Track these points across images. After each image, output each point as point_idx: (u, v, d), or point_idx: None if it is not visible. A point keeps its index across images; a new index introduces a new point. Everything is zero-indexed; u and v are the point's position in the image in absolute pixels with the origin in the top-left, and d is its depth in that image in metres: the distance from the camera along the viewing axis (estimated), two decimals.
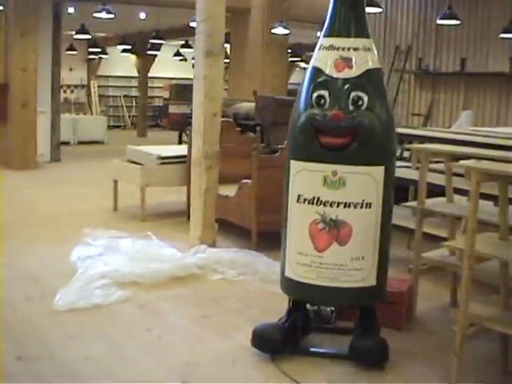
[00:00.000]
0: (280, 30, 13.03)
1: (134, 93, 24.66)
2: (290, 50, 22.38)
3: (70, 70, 24.02)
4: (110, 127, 22.76)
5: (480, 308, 3.42)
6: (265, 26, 13.87)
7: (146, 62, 21.29)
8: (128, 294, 4.67)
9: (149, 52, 20.26)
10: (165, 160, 7.62)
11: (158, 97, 25.94)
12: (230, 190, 6.64)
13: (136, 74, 22.41)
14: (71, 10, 14.90)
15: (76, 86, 24.97)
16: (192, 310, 4.50)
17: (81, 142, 17.49)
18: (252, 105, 9.90)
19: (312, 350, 3.78)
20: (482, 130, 7.54)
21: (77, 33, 15.45)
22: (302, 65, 24.89)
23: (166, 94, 25.42)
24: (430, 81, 14.18)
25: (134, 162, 7.89)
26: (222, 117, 11.23)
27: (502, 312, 3.42)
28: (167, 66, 24.25)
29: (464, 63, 13.29)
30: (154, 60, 21.09)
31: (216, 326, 4.19)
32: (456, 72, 13.46)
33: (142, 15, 16.17)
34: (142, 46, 20.52)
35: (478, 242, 3.36)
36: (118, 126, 25.30)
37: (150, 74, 21.87)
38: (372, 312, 3.80)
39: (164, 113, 25.08)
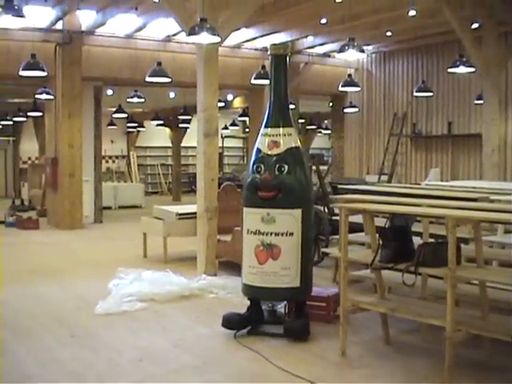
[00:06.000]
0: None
1: (170, 161, 27.03)
2: (310, 119, 24.76)
3: (112, 142, 26.65)
4: (148, 193, 25.07)
5: (361, 297, 5.42)
6: None
7: (178, 134, 23.76)
8: (147, 305, 6.79)
9: (180, 125, 22.78)
10: (182, 216, 9.73)
11: (192, 164, 28.19)
12: (229, 237, 8.69)
13: (171, 145, 24.85)
14: (110, 92, 17.38)
15: (117, 157, 27.58)
16: (190, 314, 6.54)
17: (121, 207, 19.78)
18: None
19: (260, 330, 5.78)
20: (431, 183, 9.49)
21: (115, 112, 17.93)
22: (323, 132, 27.19)
23: None
24: (423, 143, 16.22)
25: (159, 219, 10.03)
26: (237, 180, 13.41)
27: (377, 299, 5.38)
28: None
29: (450, 126, 15.34)
30: (185, 132, 23.55)
31: (204, 322, 6.23)
32: (444, 135, 15.49)
33: (172, 94, 18.65)
34: (174, 120, 23.02)
35: (356, 253, 5.37)
36: (156, 192, 27.72)
37: (183, 144, 24.29)
38: (301, 305, 5.81)
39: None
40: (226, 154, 29.15)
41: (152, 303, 6.89)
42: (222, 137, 26.18)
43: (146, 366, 4.96)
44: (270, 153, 5.66)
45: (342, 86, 13.22)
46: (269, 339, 5.61)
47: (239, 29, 13.36)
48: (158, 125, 24.11)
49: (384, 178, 16.02)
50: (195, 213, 9.08)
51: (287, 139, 5.71)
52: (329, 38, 15.02)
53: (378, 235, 5.04)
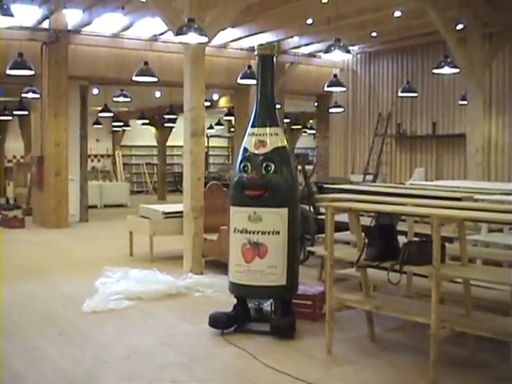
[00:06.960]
0: None
1: (156, 161, 26.94)
2: (295, 119, 24.85)
3: (97, 141, 26.55)
4: (133, 192, 25.01)
5: (347, 295, 5.48)
6: None
7: (163, 133, 23.73)
8: (133, 304, 6.82)
9: (165, 125, 22.79)
10: (168, 215, 9.76)
11: (177, 164, 28.14)
12: (215, 236, 8.73)
13: (156, 144, 24.81)
14: (95, 91, 17.37)
15: (102, 156, 27.52)
16: (176, 312, 6.57)
17: (107, 206, 19.73)
18: None
19: (247, 328, 5.83)
20: (415, 183, 9.55)
21: (101, 111, 17.92)
22: (308, 131, 27.29)
23: None
24: (407, 143, 16.34)
25: (145, 217, 10.05)
26: (223, 180, 13.46)
27: (362, 297, 5.44)
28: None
29: (435, 126, 15.47)
30: (170, 131, 23.55)
31: (190, 320, 6.26)
32: (428, 135, 15.62)
33: (158, 94, 18.65)
34: (160, 120, 23.01)
35: (341, 251, 5.43)
36: (141, 191, 27.69)
37: (168, 143, 24.27)
38: (287, 303, 5.86)
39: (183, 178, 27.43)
40: (211, 153, 29.15)
41: (139, 301, 6.92)
42: (207, 136, 26.18)
43: (134, 363, 5.00)
44: (256, 152, 5.71)
45: (328, 86, 13.32)
46: (255, 337, 5.66)
47: (225, 28, 13.40)
48: (143, 124, 24.09)
49: (369, 177, 16.12)
50: (181, 212, 9.08)
51: (274, 139, 5.76)
52: (315, 38, 15.12)
53: (363, 234, 5.11)
